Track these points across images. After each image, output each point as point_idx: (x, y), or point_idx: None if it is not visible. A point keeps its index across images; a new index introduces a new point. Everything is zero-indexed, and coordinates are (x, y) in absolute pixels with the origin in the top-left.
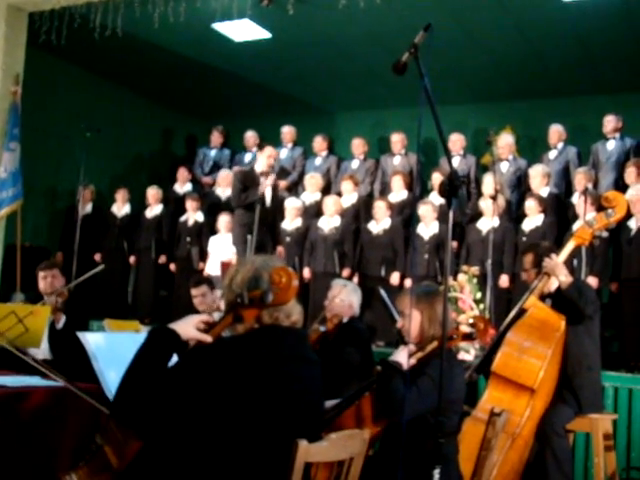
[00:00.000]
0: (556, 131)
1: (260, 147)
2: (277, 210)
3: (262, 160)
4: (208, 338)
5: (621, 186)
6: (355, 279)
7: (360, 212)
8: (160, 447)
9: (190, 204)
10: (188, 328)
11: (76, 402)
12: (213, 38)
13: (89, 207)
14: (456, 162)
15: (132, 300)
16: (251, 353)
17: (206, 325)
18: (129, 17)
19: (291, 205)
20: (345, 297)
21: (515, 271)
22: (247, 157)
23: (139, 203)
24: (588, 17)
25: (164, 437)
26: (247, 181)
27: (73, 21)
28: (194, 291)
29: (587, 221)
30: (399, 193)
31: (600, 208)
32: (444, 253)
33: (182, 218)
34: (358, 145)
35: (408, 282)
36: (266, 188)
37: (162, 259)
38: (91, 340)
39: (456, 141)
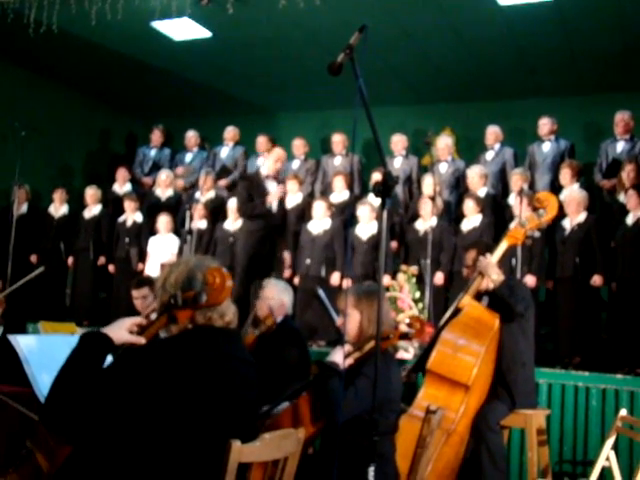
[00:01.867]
0: (493, 132)
1: (268, 149)
2: (283, 219)
3: (269, 164)
4: (141, 340)
5: (557, 187)
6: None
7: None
8: (91, 451)
9: (129, 204)
10: (120, 332)
11: (5, 407)
12: (152, 36)
13: (24, 207)
14: (398, 163)
15: (70, 302)
16: (184, 353)
17: (139, 327)
18: (65, 13)
19: (232, 205)
20: (277, 296)
21: (452, 270)
22: (188, 157)
23: (77, 203)
24: (523, 21)
25: (95, 441)
26: (252, 189)
27: (6, 17)
28: (135, 293)
29: (520, 221)
30: (340, 193)
31: (535, 208)
32: (379, 253)
33: (121, 219)
34: (299, 145)
35: (348, 282)
36: (274, 199)
37: (101, 260)
38: (23, 343)
39: (398, 142)
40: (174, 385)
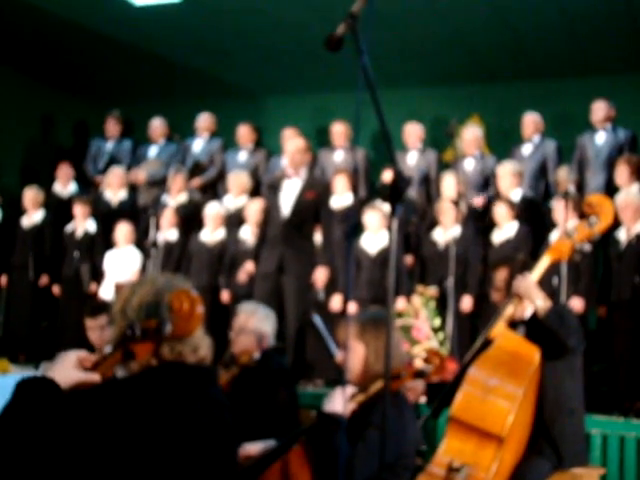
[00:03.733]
0: (531, 121)
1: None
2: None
3: (287, 156)
4: (95, 378)
5: (613, 188)
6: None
7: None
8: None
9: (78, 210)
10: (67, 372)
11: None
12: (107, 0)
13: None
14: (413, 158)
15: (2, 332)
16: (147, 397)
17: (90, 364)
18: None
19: (211, 211)
20: (255, 325)
21: (482, 292)
22: (152, 150)
23: (12, 208)
24: None
25: None
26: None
27: None
28: (90, 322)
29: (566, 232)
30: (342, 196)
31: (583, 215)
32: (387, 271)
33: (68, 228)
34: (290, 136)
35: (352, 307)
36: (292, 195)
37: (43, 280)
38: None
39: (412, 132)
40: (136, 435)
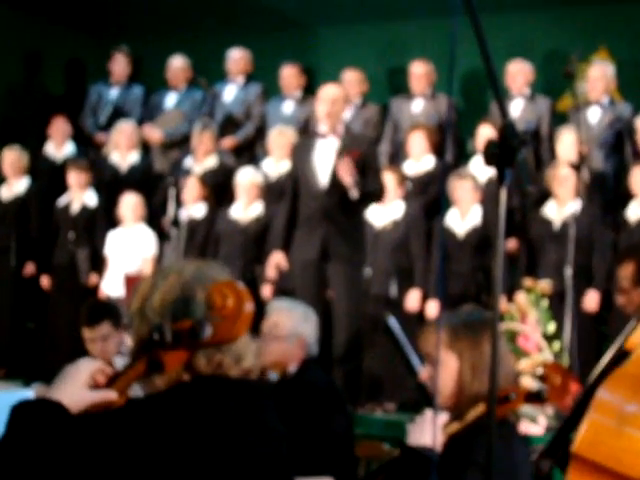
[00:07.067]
0: None
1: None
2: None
3: (320, 108)
4: (112, 396)
5: None
6: None
7: None
8: None
9: (74, 177)
10: (78, 392)
11: None
12: None
13: None
14: (518, 107)
15: None
16: (180, 423)
17: (106, 378)
18: None
19: (244, 180)
20: (291, 329)
21: (612, 287)
22: (170, 99)
23: None
24: None
25: None
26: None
27: None
28: (89, 332)
29: None
30: (421, 160)
31: None
32: (492, 258)
33: (62, 201)
34: (351, 81)
35: (433, 306)
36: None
37: (29, 269)
38: None
39: (517, 73)
40: (166, 471)
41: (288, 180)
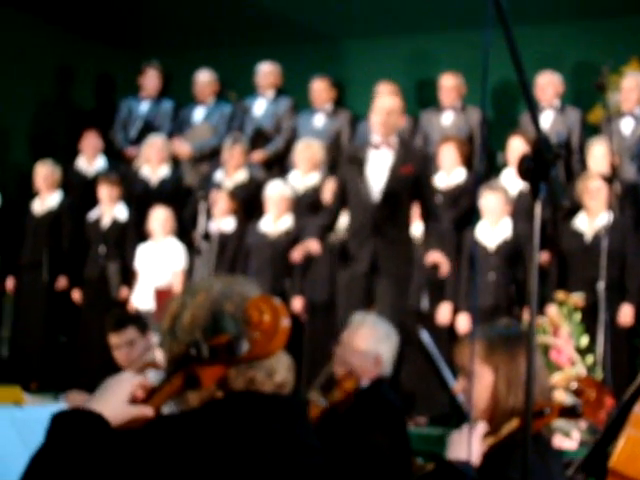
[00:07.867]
0: None
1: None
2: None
3: (375, 119)
4: (148, 412)
5: None
6: None
7: None
8: None
9: (105, 192)
10: (120, 405)
11: None
12: None
13: None
14: (548, 119)
15: (9, 352)
16: (214, 440)
17: (144, 391)
18: None
19: (274, 193)
20: (370, 345)
21: None
22: (199, 113)
23: (20, 190)
24: None
25: None
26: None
27: None
28: (115, 338)
29: None
30: (451, 173)
31: None
32: (526, 271)
33: (92, 215)
34: (383, 93)
35: (465, 319)
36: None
37: (61, 283)
38: None
39: (547, 85)
40: None
41: (337, 189)
